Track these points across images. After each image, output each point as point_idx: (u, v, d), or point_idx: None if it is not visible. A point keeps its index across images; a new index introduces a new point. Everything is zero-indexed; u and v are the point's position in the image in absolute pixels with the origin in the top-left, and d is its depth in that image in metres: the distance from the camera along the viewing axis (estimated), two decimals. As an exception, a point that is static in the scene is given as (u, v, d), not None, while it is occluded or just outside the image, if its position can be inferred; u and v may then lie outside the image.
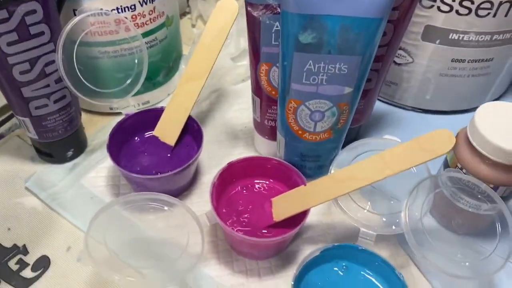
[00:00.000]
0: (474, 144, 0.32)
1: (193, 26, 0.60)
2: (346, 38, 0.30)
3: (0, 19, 0.31)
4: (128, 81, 0.40)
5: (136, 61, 0.40)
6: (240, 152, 0.44)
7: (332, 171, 0.35)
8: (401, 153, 0.31)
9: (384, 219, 0.34)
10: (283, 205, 0.35)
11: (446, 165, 0.36)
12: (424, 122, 0.47)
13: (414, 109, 0.48)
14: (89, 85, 0.38)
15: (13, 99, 0.36)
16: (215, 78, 0.50)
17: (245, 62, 0.52)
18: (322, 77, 0.32)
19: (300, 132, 0.36)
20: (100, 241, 0.29)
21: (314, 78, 0.32)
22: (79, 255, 0.28)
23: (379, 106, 0.48)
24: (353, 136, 0.43)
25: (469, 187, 0.33)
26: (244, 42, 0.51)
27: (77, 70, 0.37)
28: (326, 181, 0.33)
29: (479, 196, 0.32)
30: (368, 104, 0.40)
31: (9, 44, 0.33)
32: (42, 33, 0.34)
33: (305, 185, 0.34)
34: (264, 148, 0.43)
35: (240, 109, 0.48)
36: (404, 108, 0.49)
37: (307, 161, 0.38)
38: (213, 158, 0.43)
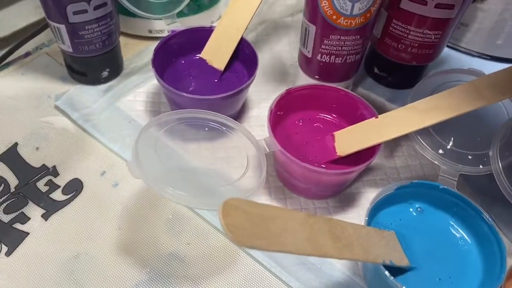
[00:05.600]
0: None
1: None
2: None
3: None
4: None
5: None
6: (290, 88, 0.40)
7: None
8: (497, 81, 0.27)
9: (469, 157, 0.30)
10: (349, 139, 0.31)
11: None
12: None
13: (481, 55, 0.43)
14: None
15: (49, 0, 0.31)
16: (264, 8, 0.46)
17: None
18: None
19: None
20: (149, 155, 0.26)
21: None
22: (127, 165, 0.24)
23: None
24: (419, 75, 0.39)
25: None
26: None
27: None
28: (405, 112, 0.29)
29: None
30: (443, 37, 0.35)
31: None
32: None
33: (376, 117, 0.30)
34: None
35: (290, 42, 0.44)
36: (470, 54, 0.44)
37: None
38: (260, 92, 0.39)
